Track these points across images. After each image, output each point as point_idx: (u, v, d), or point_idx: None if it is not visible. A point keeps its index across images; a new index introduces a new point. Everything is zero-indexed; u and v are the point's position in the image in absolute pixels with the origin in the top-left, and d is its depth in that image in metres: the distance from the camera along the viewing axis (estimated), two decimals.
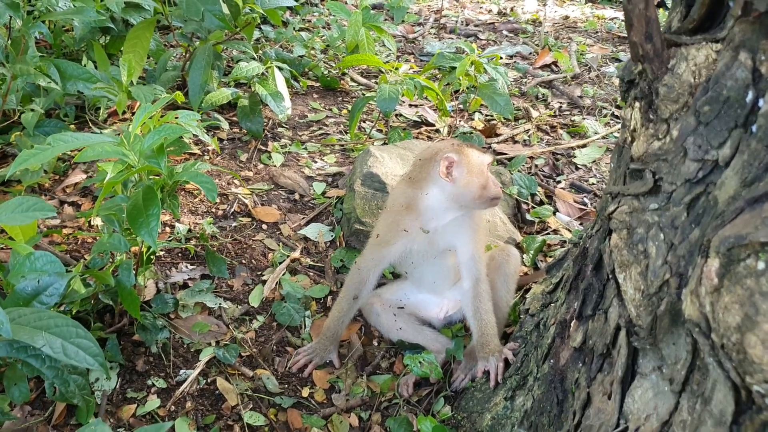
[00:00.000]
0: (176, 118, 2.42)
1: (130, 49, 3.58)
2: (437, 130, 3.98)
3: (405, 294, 2.61)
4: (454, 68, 3.94)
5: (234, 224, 3.07)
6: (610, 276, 1.37)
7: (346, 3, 6.39)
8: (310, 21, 5.82)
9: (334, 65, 4.81)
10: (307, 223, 3.14)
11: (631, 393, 1.29)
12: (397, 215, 2.32)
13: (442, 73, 4.23)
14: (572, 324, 1.59)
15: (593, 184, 3.56)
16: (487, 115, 4.23)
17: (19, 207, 1.63)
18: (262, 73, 3.78)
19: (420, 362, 2.26)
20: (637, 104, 1.28)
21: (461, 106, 4.27)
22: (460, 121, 4.12)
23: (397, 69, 3.65)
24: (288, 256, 2.90)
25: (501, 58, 4.88)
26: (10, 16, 3.04)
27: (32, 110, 3.17)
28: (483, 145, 3.73)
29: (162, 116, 2.36)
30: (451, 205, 2.24)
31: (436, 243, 2.34)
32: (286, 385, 2.37)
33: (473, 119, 4.18)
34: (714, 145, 1.08)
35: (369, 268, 2.41)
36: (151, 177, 2.17)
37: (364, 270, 2.41)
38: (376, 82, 4.62)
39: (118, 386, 2.23)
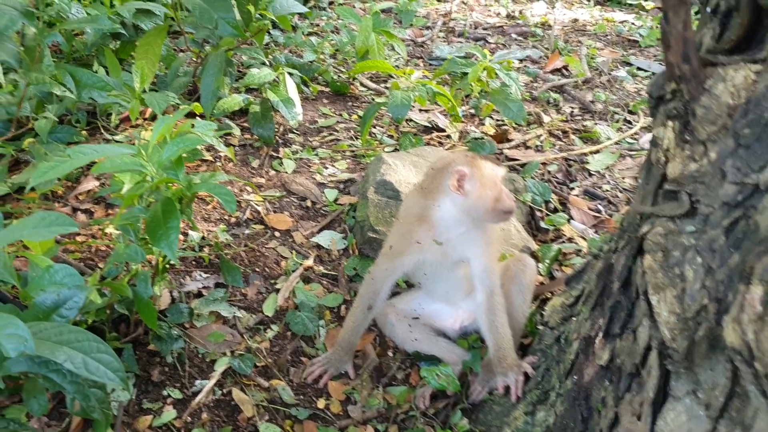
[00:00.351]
0: (192, 127, 2.42)
1: (142, 56, 3.57)
2: (448, 136, 3.97)
3: (419, 304, 2.60)
4: (465, 74, 3.94)
5: (247, 231, 3.06)
6: (641, 296, 1.36)
7: (354, 7, 6.38)
8: (318, 25, 5.81)
9: (343, 70, 4.80)
10: (320, 231, 3.13)
11: (663, 415, 1.27)
12: (409, 226, 2.31)
13: (453, 79, 4.22)
14: (597, 341, 1.58)
15: (607, 190, 3.55)
16: (498, 120, 4.21)
17: (41, 222, 1.62)
18: (274, 79, 3.76)
19: (437, 375, 2.24)
20: (670, 123, 1.26)
21: (472, 111, 4.25)
22: (471, 126, 4.11)
23: (408, 75, 3.64)
24: (301, 265, 2.89)
25: (516, 66, 4.85)
26: (23, 24, 3.04)
27: (45, 117, 3.17)
28: (495, 151, 3.72)
29: (176, 126, 2.35)
30: (463, 217, 2.22)
31: (449, 254, 2.32)
32: (302, 396, 2.35)
33: (484, 124, 4.16)
34: (754, 169, 1.07)
35: (382, 278, 2.39)
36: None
37: (377, 280, 2.40)
38: (386, 87, 4.60)
39: (134, 397, 2.23)
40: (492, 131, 4.06)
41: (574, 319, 1.97)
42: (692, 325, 1.17)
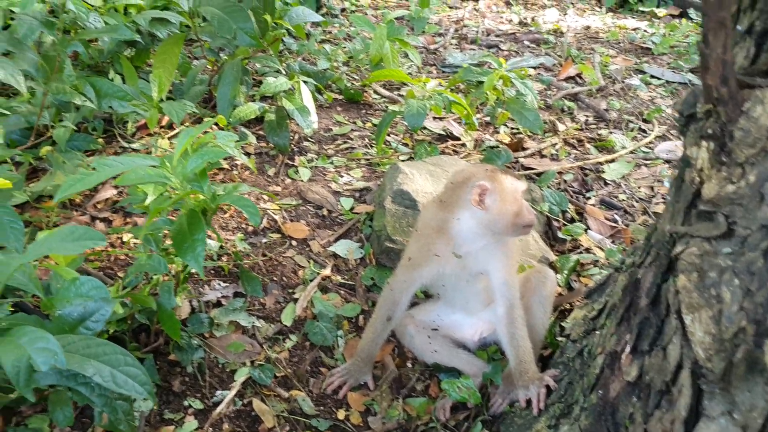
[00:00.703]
0: (214, 138, 2.43)
1: (159, 64, 3.58)
2: (463, 144, 3.97)
3: (438, 315, 2.60)
4: (481, 82, 3.94)
5: (264, 240, 3.07)
6: (672, 314, 1.36)
7: (365, 14, 6.40)
8: (330, 32, 5.82)
9: (356, 77, 4.81)
10: (336, 240, 3.13)
11: None
12: (428, 238, 2.31)
13: (468, 87, 4.22)
14: (624, 356, 1.58)
15: (623, 200, 3.54)
16: (513, 129, 4.21)
17: (69, 236, 1.63)
18: (289, 88, 3.78)
19: (458, 387, 2.24)
20: (704, 144, 1.26)
21: (487, 119, 4.26)
22: (485, 134, 4.11)
23: (424, 84, 3.64)
24: (318, 274, 2.90)
25: (529, 73, 4.84)
26: (41, 32, 3.07)
27: (63, 126, 3.18)
28: (511, 160, 3.71)
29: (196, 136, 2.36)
30: (483, 231, 2.22)
31: (468, 267, 2.32)
32: (322, 407, 2.36)
33: (498, 132, 4.16)
34: None
35: (401, 289, 2.40)
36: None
37: (396, 291, 2.40)
38: (400, 95, 4.61)
39: (155, 407, 2.23)
40: (507, 139, 4.05)
41: (597, 332, 1.97)
42: (729, 346, 1.17)
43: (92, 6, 3.46)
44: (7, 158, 3.04)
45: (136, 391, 1.65)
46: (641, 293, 1.58)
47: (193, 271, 2.78)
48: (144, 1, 3.94)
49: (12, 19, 3.55)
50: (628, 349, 1.57)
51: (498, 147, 3.89)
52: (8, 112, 2.72)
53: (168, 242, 2.66)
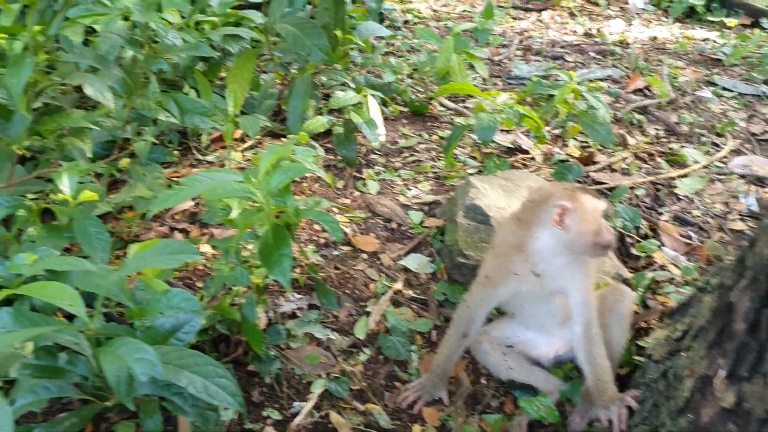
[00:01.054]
0: (293, 153, 2.48)
1: (233, 79, 3.69)
2: (532, 158, 3.94)
3: (513, 332, 2.58)
4: (551, 95, 3.91)
5: (335, 253, 3.11)
6: None
7: (428, 25, 6.43)
8: (393, 45, 5.87)
9: (421, 89, 4.83)
10: (407, 254, 3.14)
11: None
12: (505, 256, 2.31)
13: (537, 101, 4.20)
14: (718, 381, 1.54)
15: (697, 216, 3.45)
16: (582, 142, 4.16)
17: (166, 250, 1.69)
18: (357, 102, 3.82)
19: (536, 405, 2.23)
20: None
21: (555, 132, 4.21)
22: (554, 147, 4.07)
23: (494, 97, 3.64)
24: (390, 288, 2.92)
25: (601, 88, 4.77)
26: (121, 47, 3.18)
27: (144, 140, 3.30)
28: (582, 174, 3.66)
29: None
30: (562, 250, 2.21)
31: (545, 286, 2.31)
32: (398, 422, 2.37)
33: (567, 146, 4.12)
34: None
35: (477, 306, 2.40)
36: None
37: (472, 308, 2.40)
38: (465, 107, 4.61)
39: (236, 417, 2.28)
40: (577, 153, 4.01)
41: (683, 354, 1.92)
42: None
43: (171, 23, 3.58)
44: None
45: (227, 401, 1.70)
46: (737, 317, 1.54)
47: (270, 282, 2.85)
48: (217, 17, 4.05)
49: (90, 35, 3.71)
50: (723, 374, 1.53)
51: (568, 161, 3.85)
52: (95, 127, 2.83)
53: (245, 253, 2.73)
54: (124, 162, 3.24)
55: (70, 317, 2.16)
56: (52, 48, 2.85)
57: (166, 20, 3.51)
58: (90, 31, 3.72)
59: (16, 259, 2.24)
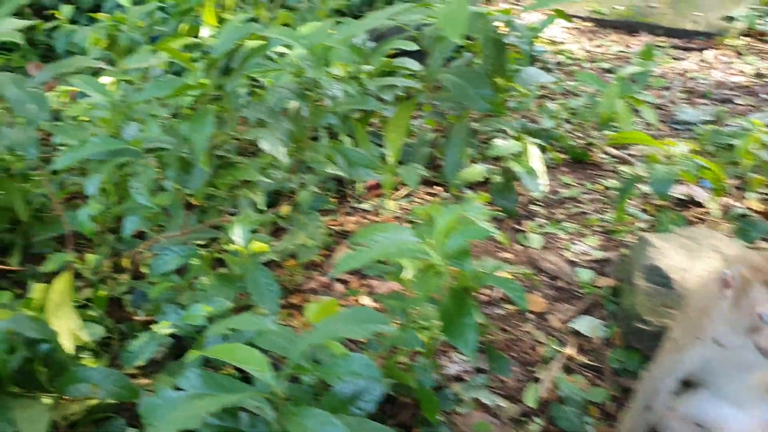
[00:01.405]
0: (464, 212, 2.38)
1: (392, 129, 3.67)
2: (707, 212, 3.62)
3: (704, 408, 2.31)
4: (731, 145, 3.60)
5: (498, 311, 2.97)
6: None
7: (581, 68, 6.21)
8: (546, 88, 5.69)
9: (581, 135, 4.62)
10: (577, 315, 2.94)
11: None
12: (695, 321, 2.09)
13: (715, 150, 3.89)
14: None
15: None
16: (763, 194, 3.78)
17: (355, 318, 1.64)
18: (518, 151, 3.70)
19: None
20: None
21: (731, 182, 3.86)
22: (730, 200, 3.73)
23: (669, 147, 3.38)
24: (560, 352, 2.73)
25: None
26: (287, 100, 3.26)
27: (307, 190, 3.34)
28: (766, 231, 3.31)
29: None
30: None
31: (740, 355, 2.06)
32: None
33: (745, 198, 3.76)
34: None
35: (662, 376, 2.19)
36: None
37: (657, 378, 2.20)
38: (630, 154, 4.35)
39: None
40: (756, 206, 3.65)
41: None
42: None
43: (335, 75, 3.64)
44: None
45: None
46: None
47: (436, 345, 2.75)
48: (374, 67, 4.09)
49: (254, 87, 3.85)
50: None
51: (749, 216, 3.50)
52: (266, 179, 2.90)
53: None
54: (285, 210, 3.30)
55: (244, 374, 2.17)
56: (228, 103, 2.96)
57: (331, 73, 3.58)
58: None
59: (192, 309, 2.29)
